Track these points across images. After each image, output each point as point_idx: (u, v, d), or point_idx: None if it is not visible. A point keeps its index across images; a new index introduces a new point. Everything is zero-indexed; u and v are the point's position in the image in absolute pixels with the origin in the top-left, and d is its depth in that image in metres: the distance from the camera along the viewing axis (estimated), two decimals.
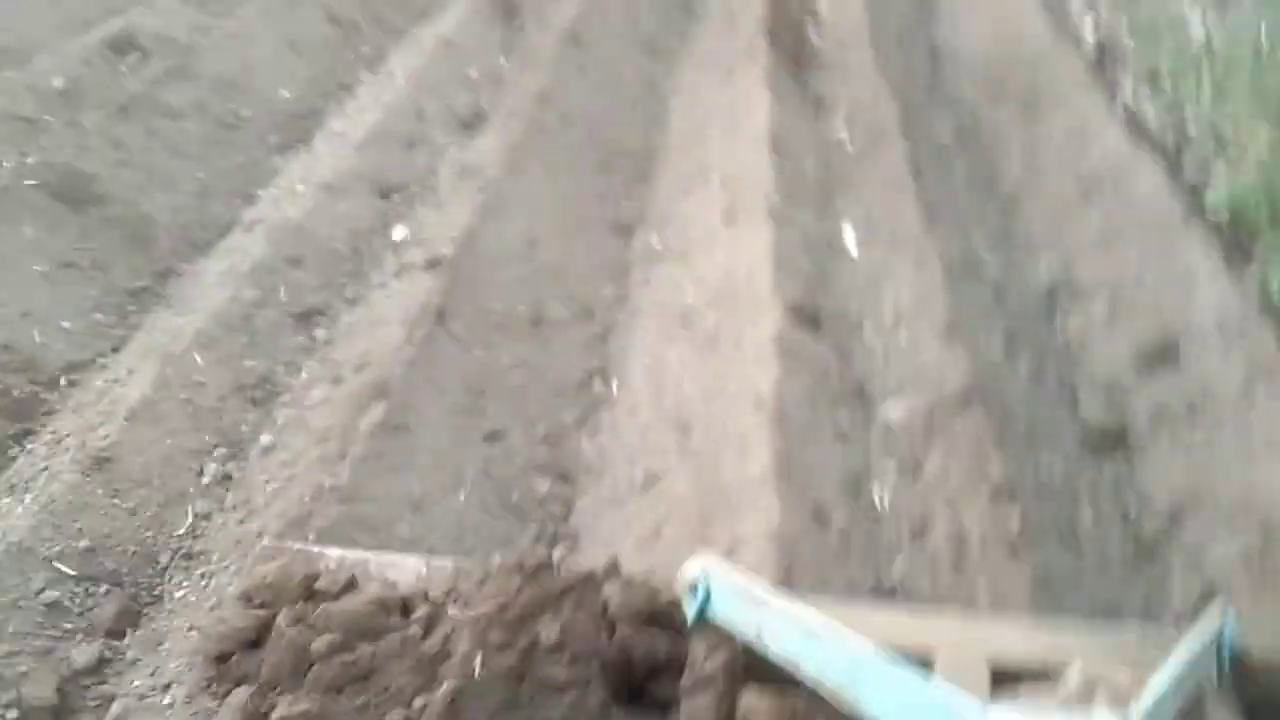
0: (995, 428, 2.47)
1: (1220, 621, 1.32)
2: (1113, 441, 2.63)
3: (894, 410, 2.53)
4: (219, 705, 1.41)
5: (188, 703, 1.41)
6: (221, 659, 1.48)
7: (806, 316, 2.80)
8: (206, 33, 4.45)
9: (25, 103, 3.59)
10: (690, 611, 1.39)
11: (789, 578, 2.01)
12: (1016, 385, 2.73)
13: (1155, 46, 4.24)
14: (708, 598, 1.38)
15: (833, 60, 4.71)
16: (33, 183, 3.18)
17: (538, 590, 1.44)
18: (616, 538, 2.32)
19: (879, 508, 2.29)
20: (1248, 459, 2.48)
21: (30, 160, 3.27)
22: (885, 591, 2.06)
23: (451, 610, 1.48)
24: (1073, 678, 1.22)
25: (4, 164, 3.25)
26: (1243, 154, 3.35)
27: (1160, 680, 1.14)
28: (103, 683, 1.90)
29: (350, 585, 1.53)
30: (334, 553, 1.59)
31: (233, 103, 4.04)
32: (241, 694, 1.42)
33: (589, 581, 1.49)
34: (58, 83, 3.82)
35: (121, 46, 4.24)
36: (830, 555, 2.11)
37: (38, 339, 2.82)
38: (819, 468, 2.32)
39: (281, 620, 1.47)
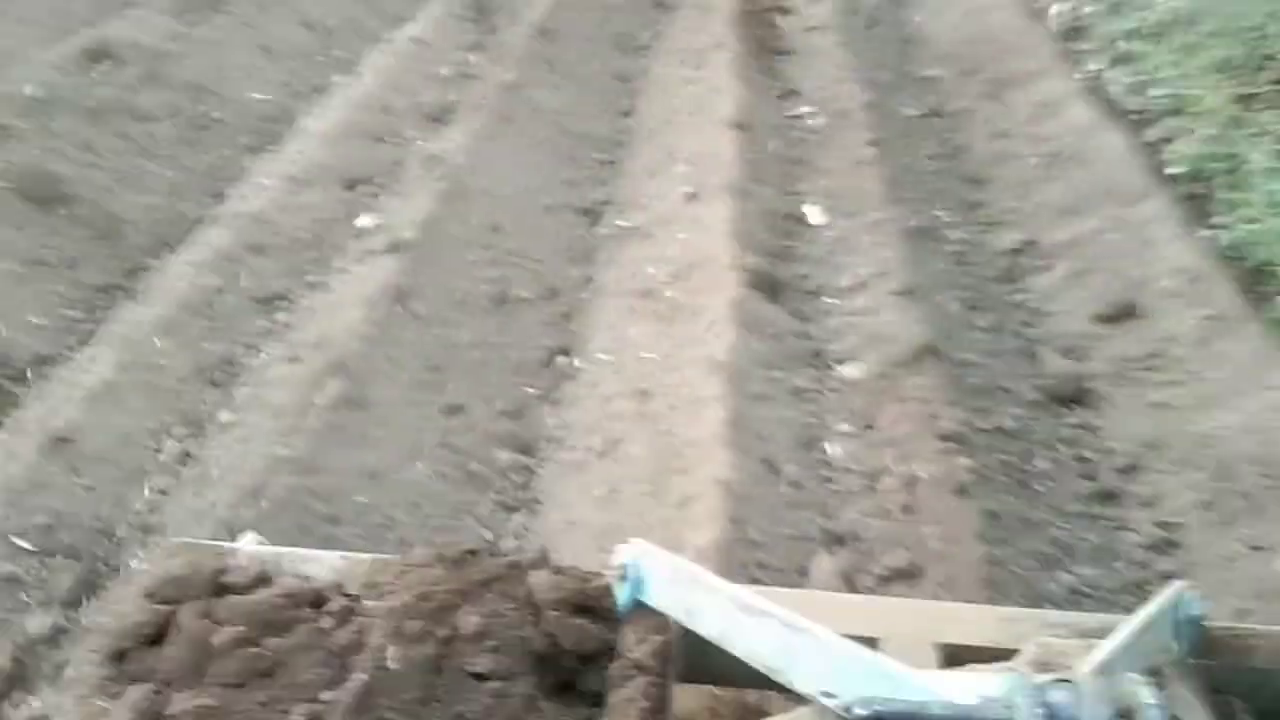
0: (949, 383, 2.48)
1: (1178, 597, 1.24)
2: (1073, 394, 2.64)
3: (849, 370, 2.53)
4: (111, 705, 1.30)
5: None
6: (119, 656, 1.42)
7: (765, 285, 2.82)
8: (180, 40, 4.49)
9: None
10: (621, 597, 1.35)
11: (739, 527, 2.02)
12: (974, 344, 2.73)
13: (1120, 23, 4.28)
14: (640, 583, 1.34)
15: (802, 48, 4.74)
16: (2, 185, 3.21)
17: (459, 580, 1.39)
18: (575, 501, 2.33)
19: (831, 461, 2.30)
20: (1207, 405, 2.49)
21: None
22: (835, 538, 2.06)
23: (367, 603, 1.41)
24: (1027, 653, 1.17)
25: None
26: (1202, 116, 3.37)
27: (1108, 646, 1.09)
28: (58, 649, 1.91)
29: (261, 580, 1.46)
30: (247, 548, 1.53)
31: (204, 105, 4.08)
32: (136, 692, 1.31)
33: (515, 570, 1.44)
34: (29, 90, 3.87)
35: (96, 55, 4.28)
36: (781, 505, 2.11)
37: (5, 334, 2.84)
38: (772, 426, 2.33)
39: (183, 615, 1.39)
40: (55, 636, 1.93)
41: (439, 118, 3.98)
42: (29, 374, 2.79)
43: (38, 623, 1.93)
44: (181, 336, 2.66)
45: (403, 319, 2.75)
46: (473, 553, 1.44)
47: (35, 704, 1.82)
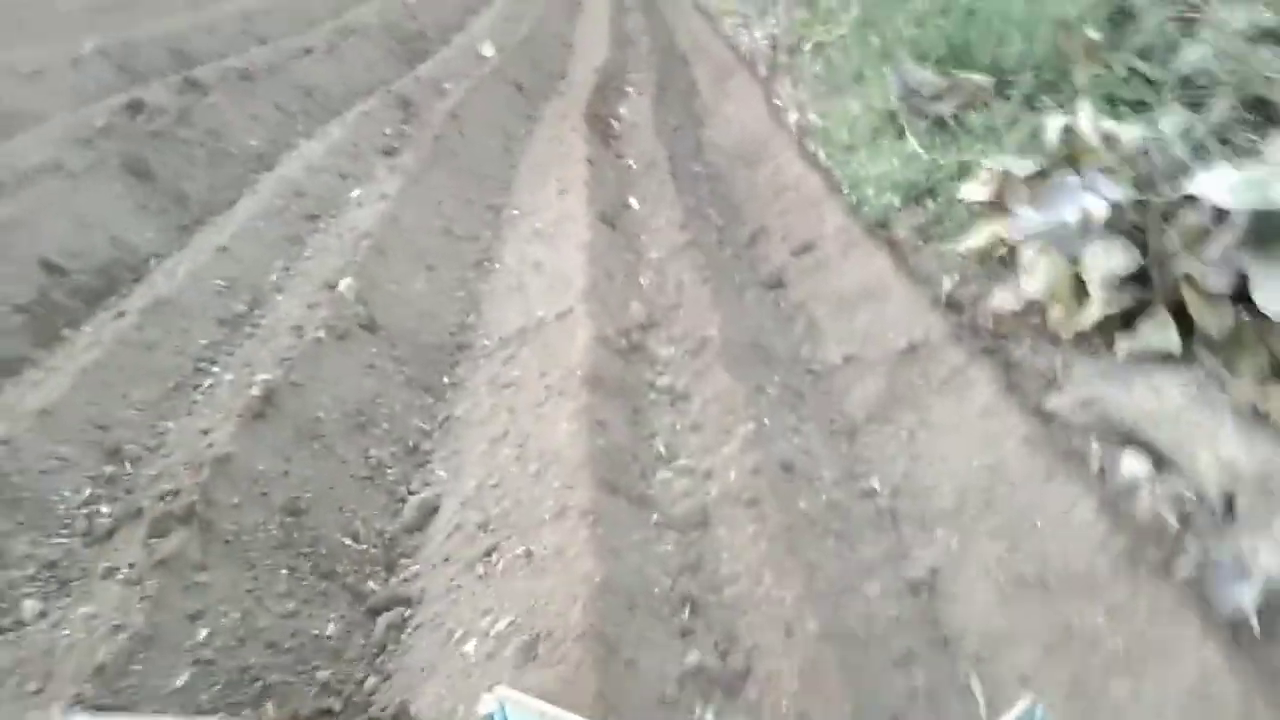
0: (707, 262, 4.59)
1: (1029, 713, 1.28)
2: (776, 283, 4.79)
3: (652, 251, 4.63)
4: None
5: None
6: None
7: (607, 222, 4.90)
8: (192, 107, 6.37)
9: None
10: None
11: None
12: (724, 260, 4.87)
13: (831, 122, 6.76)
14: None
15: (628, 137, 7.04)
16: (117, 162, 5.00)
17: None
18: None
19: (642, 286, 4.34)
20: (843, 280, 4.68)
21: None
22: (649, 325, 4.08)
23: None
24: None
25: None
26: (856, 157, 5.75)
27: None
28: None
29: None
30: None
31: (221, 144, 5.96)
32: None
33: None
34: (106, 120, 5.67)
35: (134, 108, 6.11)
36: (613, 294, 4.13)
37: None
38: (615, 279, 4.37)
39: None
40: None
41: (390, 152, 5.99)
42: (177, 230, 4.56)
43: None
44: (274, 222, 4.51)
45: (395, 230, 4.67)
46: (329, 712, 1.40)
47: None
